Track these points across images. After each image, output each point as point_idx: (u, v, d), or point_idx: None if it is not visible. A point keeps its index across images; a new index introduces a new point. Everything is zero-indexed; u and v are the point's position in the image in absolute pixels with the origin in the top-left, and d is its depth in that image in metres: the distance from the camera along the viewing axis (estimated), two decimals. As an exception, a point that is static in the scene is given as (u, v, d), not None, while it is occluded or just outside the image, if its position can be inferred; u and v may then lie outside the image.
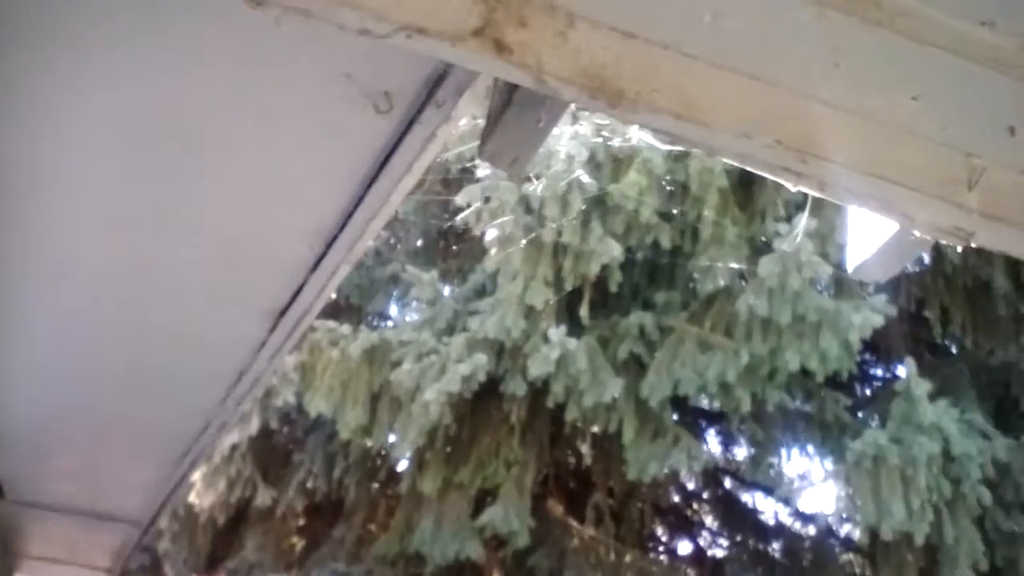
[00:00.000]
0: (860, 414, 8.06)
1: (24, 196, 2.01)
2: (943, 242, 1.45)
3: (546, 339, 7.00)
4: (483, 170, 7.06)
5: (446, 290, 8.84)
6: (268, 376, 3.02)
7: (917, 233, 1.46)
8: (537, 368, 6.99)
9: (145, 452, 4.00)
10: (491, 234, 7.13)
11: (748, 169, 1.37)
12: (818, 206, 6.25)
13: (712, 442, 9.84)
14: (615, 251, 6.78)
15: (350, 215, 1.77)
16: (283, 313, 2.26)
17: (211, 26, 1.43)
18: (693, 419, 9.20)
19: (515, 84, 1.34)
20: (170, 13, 1.43)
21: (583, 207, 6.69)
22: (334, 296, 9.52)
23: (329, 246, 1.89)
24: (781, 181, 1.38)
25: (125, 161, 1.85)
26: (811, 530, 9.32)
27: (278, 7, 1.02)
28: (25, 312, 2.87)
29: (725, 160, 1.35)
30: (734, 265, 6.85)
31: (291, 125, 1.58)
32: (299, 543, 10.11)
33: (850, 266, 1.71)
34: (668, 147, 6.57)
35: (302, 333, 2.67)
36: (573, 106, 1.43)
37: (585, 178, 6.67)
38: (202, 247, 2.06)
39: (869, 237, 1.63)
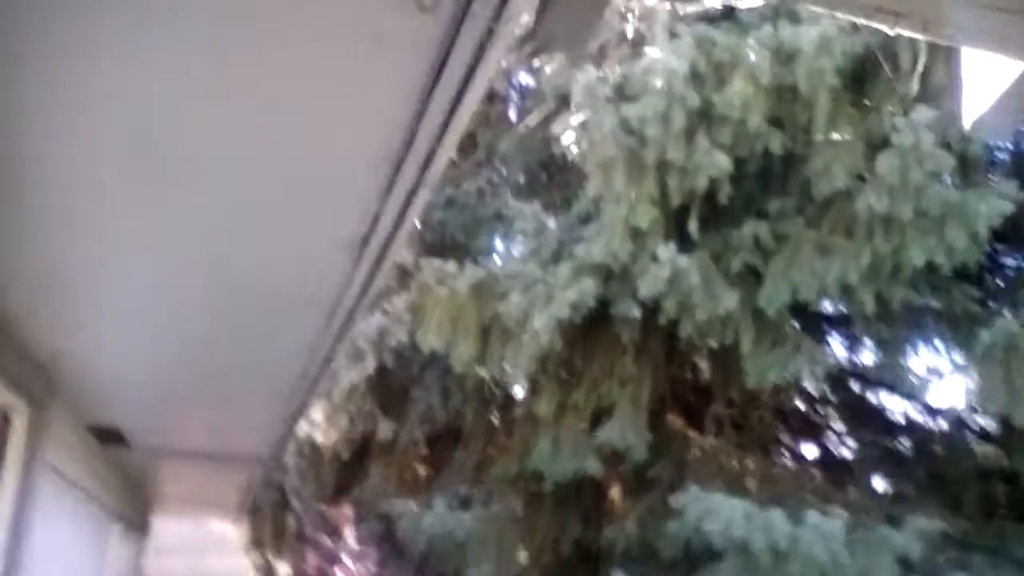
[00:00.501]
0: (991, 305, 7.61)
1: (86, 171, 1.95)
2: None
3: (655, 259, 6.79)
4: (579, 97, 6.85)
5: (551, 222, 8.70)
6: (364, 309, 2.98)
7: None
8: (647, 288, 6.82)
9: (256, 392, 4.05)
10: (592, 160, 6.89)
11: (842, 15, 1.19)
12: (935, 96, 5.84)
13: (836, 346, 9.54)
14: (723, 163, 6.51)
15: (414, 132, 1.65)
16: (365, 243, 2.18)
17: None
18: (816, 324, 8.91)
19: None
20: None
21: (686, 123, 6.41)
22: (438, 235, 9.56)
23: (398, 169, 1.78)
24: (877, 25, 1.20)
25: (174, 101, 1.77)
26: (942, 424, 8.96)
27: None
28: (124, 273, 2.88)
29: (812, 7, 1.17)
30: (851, 166, 6.48)
31: (336, 39, 1.46)
32: (422, 471, 10.33)
33: (967, 123, 1.53)
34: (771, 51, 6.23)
35: (391, 264, 2.60)
36: None
37: (686, 92, 6.39)
38: (270, 184, 1.99)
39: (986, 90, 1.44)
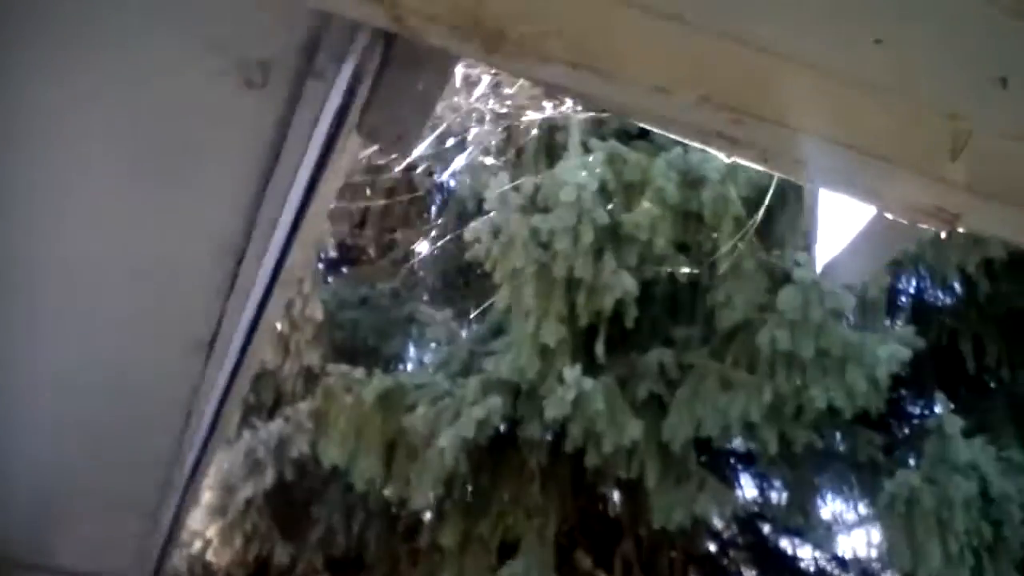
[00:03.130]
0: (896, 454, 7.68)
1: None
2: (923, 227, 1.19)
3: (562, 379, 6.72)
4: (491, 204, 6.86)
5: (463, 331, 8.59)
6: (228, 421, 2.80)
7: (890, 216, 1.20)
8: (553, 410, 6.73)
9: (118, 506, 3.79)
10: (502, 269, 6.86)
11: (681, 139, 1.13)
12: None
13: (747, 486, 9.49)
14: (629, 285, 6.53)
15: (253, 223, 1.54)
16: (211, 345, 2.03)
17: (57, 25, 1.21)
18: (724, 462, 8.89)
19: (390, 39, 1.12)
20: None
21: (594, 239, 6.44)
22: (348, 336, 9.38)
23: (239, 263, 1.66)
24: (711, 150, 1.14)
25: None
26: (852, 576, 8.88)
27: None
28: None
29: (640, 123, 1.11)
30: (753, 298, 6.56)
31: (161, 110, 1.36)
32: (319, 602, 9.81)
33: (819, 265, 1.47)
34: (680, 173, 6.35)
35: (250, 370, 2.44)
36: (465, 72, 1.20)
37: (595, 209, 6.44)
38: (114, 280, 1.84)
39: (840, 230, 1.39)
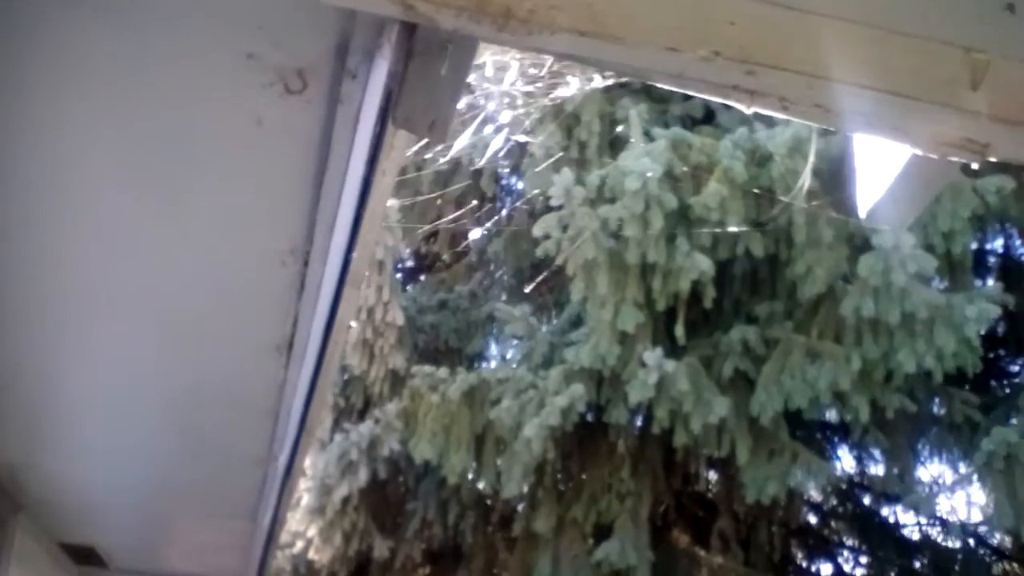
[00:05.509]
0: (996, 412, 7.48)
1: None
2: (955, 160, 1.20)
3: (643, 364, 6.73)
4: (557, 199, 6.90)
5: (542, 325, 8.69)
6: (315, 421, 2.89)
7: (920, 153, 1.21)
8: (636, 394, 6.76)
9: (219, 510, 3.94)
10: (574, 262, 6.92)
11: (693, 93, 1.16)
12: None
13: (845, 456, 9.39)
14: (704, 266, 6.52)
15: (313, 223, 1.61)
16: (290, 347, 2.12)
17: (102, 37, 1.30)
18: (820, 434, 8.81)
19: (412, 30, 1.18)
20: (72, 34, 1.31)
21: (664, 224, 6.44)
22: (431, 339, 9.56)
23: (306, 264, 1.73)
24: (732, 104, 1.17)
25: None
26: (958, 540, 8.68)
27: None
28: (82, 385, 2.85)
29: (654, 83, 1.14)
30: (834, 268, 6.49)
31: (214, 122, 1.44)
32: (423, 592, 10.02)
33: (862, 212, 1.48)
34: (747, 152, 6.33)
35: (331, 370, 2.53)
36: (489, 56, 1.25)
37: (663, 194, 6.44)
38: (190, 288, 1.94)
39: (879, 175, 1.39)
